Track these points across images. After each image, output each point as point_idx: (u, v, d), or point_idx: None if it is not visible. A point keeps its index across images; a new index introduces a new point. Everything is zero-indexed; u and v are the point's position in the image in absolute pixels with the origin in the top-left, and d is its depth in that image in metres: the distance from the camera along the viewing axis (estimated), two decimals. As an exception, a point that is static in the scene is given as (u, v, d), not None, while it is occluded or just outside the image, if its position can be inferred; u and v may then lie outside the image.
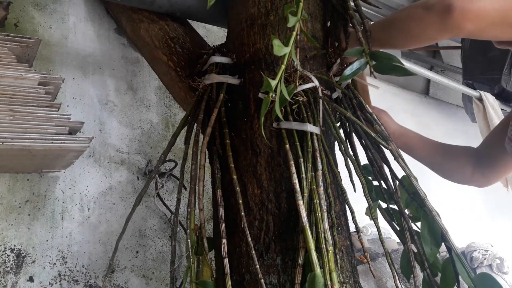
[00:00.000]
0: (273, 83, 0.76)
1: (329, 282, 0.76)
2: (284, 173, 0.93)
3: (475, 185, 1.14)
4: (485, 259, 2.11)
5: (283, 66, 0.79)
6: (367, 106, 1.08)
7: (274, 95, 0.79)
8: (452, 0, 0.78)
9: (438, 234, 0.93)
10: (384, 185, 1.02)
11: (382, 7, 2.54)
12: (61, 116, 1.15)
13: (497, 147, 1.03)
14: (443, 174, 1.18)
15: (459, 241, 1.64)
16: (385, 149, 1.01)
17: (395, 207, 1.00)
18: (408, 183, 0.99)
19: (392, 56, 0.94)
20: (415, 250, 0.94)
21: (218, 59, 1.11)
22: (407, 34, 0.92)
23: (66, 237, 1.33)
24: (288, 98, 0.82)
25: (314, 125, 0.96)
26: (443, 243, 0.93)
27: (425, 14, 0.84)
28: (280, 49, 0.77)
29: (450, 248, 0.91)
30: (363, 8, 1.16)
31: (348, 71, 0.95)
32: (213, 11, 1.25)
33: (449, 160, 1.14)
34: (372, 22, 1.03)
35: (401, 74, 0.94)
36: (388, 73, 0.94)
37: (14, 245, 1.24)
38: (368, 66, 0.97)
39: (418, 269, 0.91)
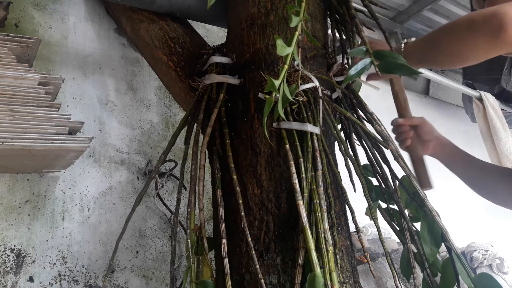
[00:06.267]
0: (277, 83, 0.76)
1: (329, 282, 0.76)
2: (284, 173, 0.93)
3: None
4: (485, 259, 2.11)
5: (286, 66, 0.79)
6: (367, 106, 1.08)
7: (277, 95, 0.79)
8: (501, 19, 0.74)
9: (438, 234, 0.93)
10: (384, 185, 1.02)
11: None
12: (61, 116, 1.15)
13: None
14: (493, 199, 1.10)
15: (459, 241, 1.64)
16: (384, 149, 1.01)
17: (395, 207, 1.00)
18: (408, 183, 0.99)
19: (397, 55, 0.92)
20: (415, 250, 0.94)
21: (218, 59, 1.11)
22: (455, 56, 0.88)
23: (66, 237, 1.33)
24: (291, 98, 0.82)
25: (314, 125, 0.96)
26: (443, 243, 0.93)
27: (474, 35, 0.79)
28: (283, 49, 0.77)
29: (450, 248, 0.91)
30: (363, 8, 1.16)
31: (353, 71, 0.93)
32: (213, 11, 1.25)
33: (500, 184, 1.06)
34: (413, 39, 1.00)
35: (407, 73, 0.92)
36: (393, 72, 0.92)
37: (14, 245, 1.24)
38: (374, 66, 0.94)
39: (418, 269, 0.90)
